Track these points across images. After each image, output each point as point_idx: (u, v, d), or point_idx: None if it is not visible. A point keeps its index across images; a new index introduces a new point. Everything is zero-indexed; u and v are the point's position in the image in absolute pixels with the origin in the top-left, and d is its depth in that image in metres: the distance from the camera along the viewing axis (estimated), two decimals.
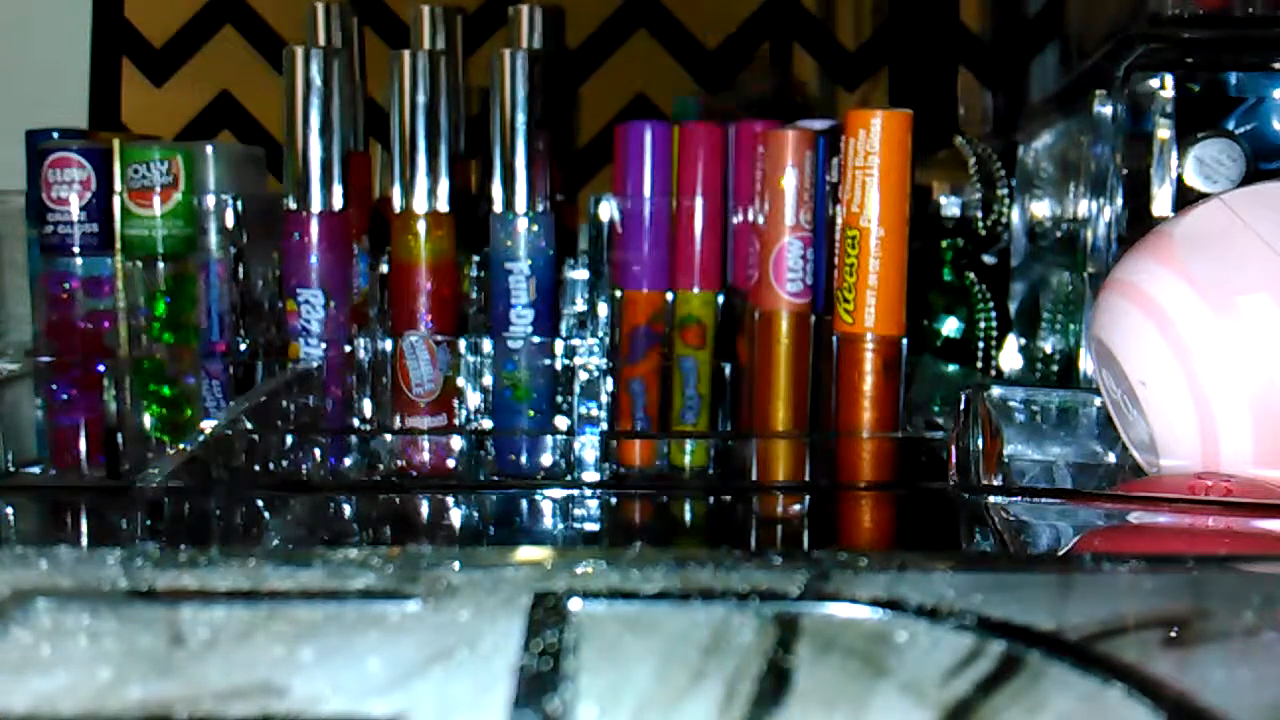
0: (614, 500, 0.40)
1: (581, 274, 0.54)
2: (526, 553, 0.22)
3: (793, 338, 0.47)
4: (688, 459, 0.49)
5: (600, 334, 0.51)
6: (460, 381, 0.49)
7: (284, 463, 0.41)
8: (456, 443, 0.46)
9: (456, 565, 0.22)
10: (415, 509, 0.42)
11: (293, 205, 0.47)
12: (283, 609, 0.20)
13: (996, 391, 0.36)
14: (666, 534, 0.41)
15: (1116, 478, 0.35)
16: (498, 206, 0.49)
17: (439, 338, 0.48)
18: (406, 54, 0.48)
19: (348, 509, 0.41)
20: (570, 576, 0.21)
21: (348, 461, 0.46)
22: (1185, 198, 0.40)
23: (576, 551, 0.22)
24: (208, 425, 0.36)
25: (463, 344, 0.49)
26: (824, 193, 0.50)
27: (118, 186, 0.48)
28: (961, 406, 0.35)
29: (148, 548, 0.27)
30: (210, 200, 0.51)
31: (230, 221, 0.51)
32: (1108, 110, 0.42)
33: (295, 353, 0.47)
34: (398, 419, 0.49)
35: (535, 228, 0.49)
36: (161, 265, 0.48)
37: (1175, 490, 0.29)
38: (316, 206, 0.47)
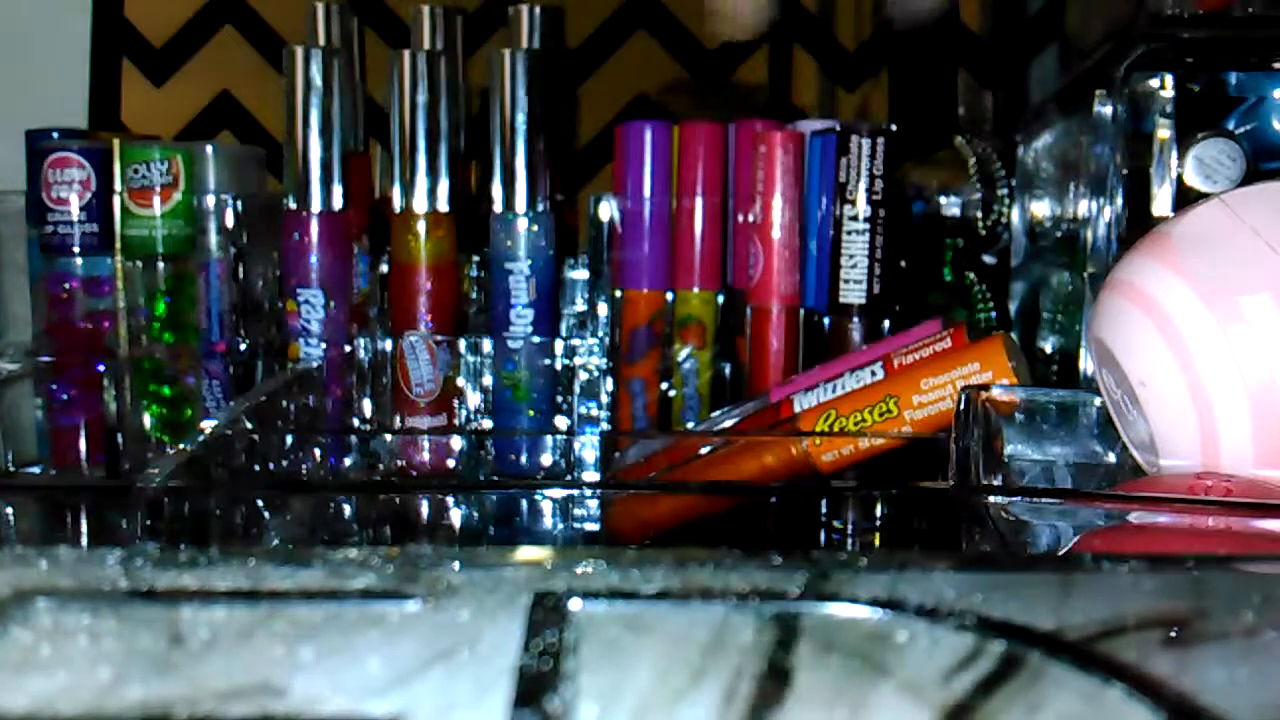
0: (614, 500, 0.40)
1: (581, 274, 0.54)
2: (526, 553, 0.22)
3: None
4: None
5: (600, 334, 0.51)
6: (460, 381, 0.49)
7: (284, 463, 0.41)
8: (456, 443, 0.46)
9: (456, 565, 0.22)
10: (415, 509, 0.42)
11: (293, 205, 0.47)
12: (283, 609, 0.20)
13: (996, 391, 0.36)
14: (666, 534, 0.41)
15: (1116, 478, 0.35)
16: (498, 206, 0.49)
17: (439, 338, 0.48)
18: (406, 54, 0.48)
19: (348, 509, 0.41)
20: (570, 576, 0.21)
21: (348, 461, 0.46)
22: (1185, 198, 0.40)
23: (576, 551, 0.22)
24: (208, 425, 0.36)
25: (463, 344, 0.49)
26: (831, 190, 0.50)
27: (118, 186, 0.48)
28: (961, 406, 0.35)
29: (148, 548, 0.27)
30: (210, 200, 0.51)
31: (230, 221, 0.51)
32: (1108, 110, 0.42)
33: (295, 353, 0.47)
34: (398, 419, 0.48)
35: (535, 228, 0.49)
36: (161, 265, 0.48)
37: (1175, 490, 0.29)
38: (316, 206, 0.47)
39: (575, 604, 0.20)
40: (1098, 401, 0.35)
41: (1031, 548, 0.30)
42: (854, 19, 0.72)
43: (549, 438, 0.46)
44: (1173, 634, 0.19)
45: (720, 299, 0.53)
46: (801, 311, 0.51)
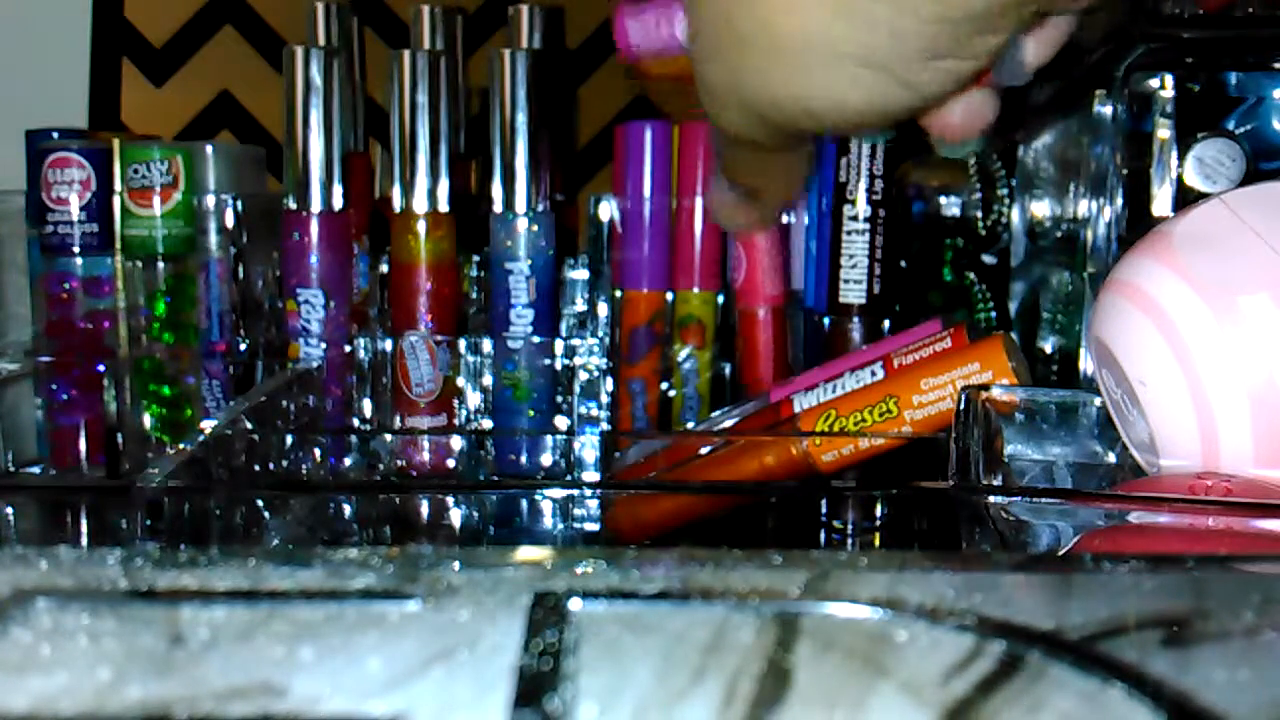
0: (614, 500, 0.40)
1: (581, 274, 0.54)
2: (526, 553, 0.22)
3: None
4: None
5: (600, 334, 0.51)
6: (460, 381, 0.49)
7: (284, 463, 0.41)
8: (456, 443, 0.46)
9: (456, 565, 0.22)
10: (415, 509, 0.42)
11: (293, 205, 0.47)
12: (283, 609, 0.20)
13: (996, 391, 0.36)
14: (666, 534, 0.41)
15: (1116, 478, 0.35)
16: (498, 206, 0.49)
17: (439, 338, 0.48)
18: (406, 54, 0.48)
19: (348, 509, 0.41)
20: (570, 576, 0.21)
21: (348, 461, 0.46)
22: (1185, 198, 0.40)
23: (576, 551, 0.22)
24: (208, 425, 0.36)
25: (463, 344, 0.49)
26: (831, 190, 0.50)
27: (118, 186, 0.48)
28: (961, 406, 0.35)
29: (148, 548, 0.27)
30: (210, 200, 0.51)
31: (230, 221, 0.51)
32: (1108, 110, 0.42)
33: (295, 353, 0.47)
34: (398, 419, 0.48)
35: (535, 228, 0.49)
36: (161, 265, 0.48)
37: (1175, 490, 0.29)
38: (316, 206, 0.47)
39: (575, 604, 0.20)
40: (1098, 401, 0.35)
41: (1031, 548, 0.30)
42: None
43: (549, 438, 0.46)
44: (1173, 634, 0.19)
45: (720, 299, 0.53)
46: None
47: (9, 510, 0.34)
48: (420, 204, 0.48)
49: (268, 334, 0.52)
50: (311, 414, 0.44)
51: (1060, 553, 0.29)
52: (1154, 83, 0.41)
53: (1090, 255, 0.43)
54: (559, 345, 0.49)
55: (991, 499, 0.31)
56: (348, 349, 0.48)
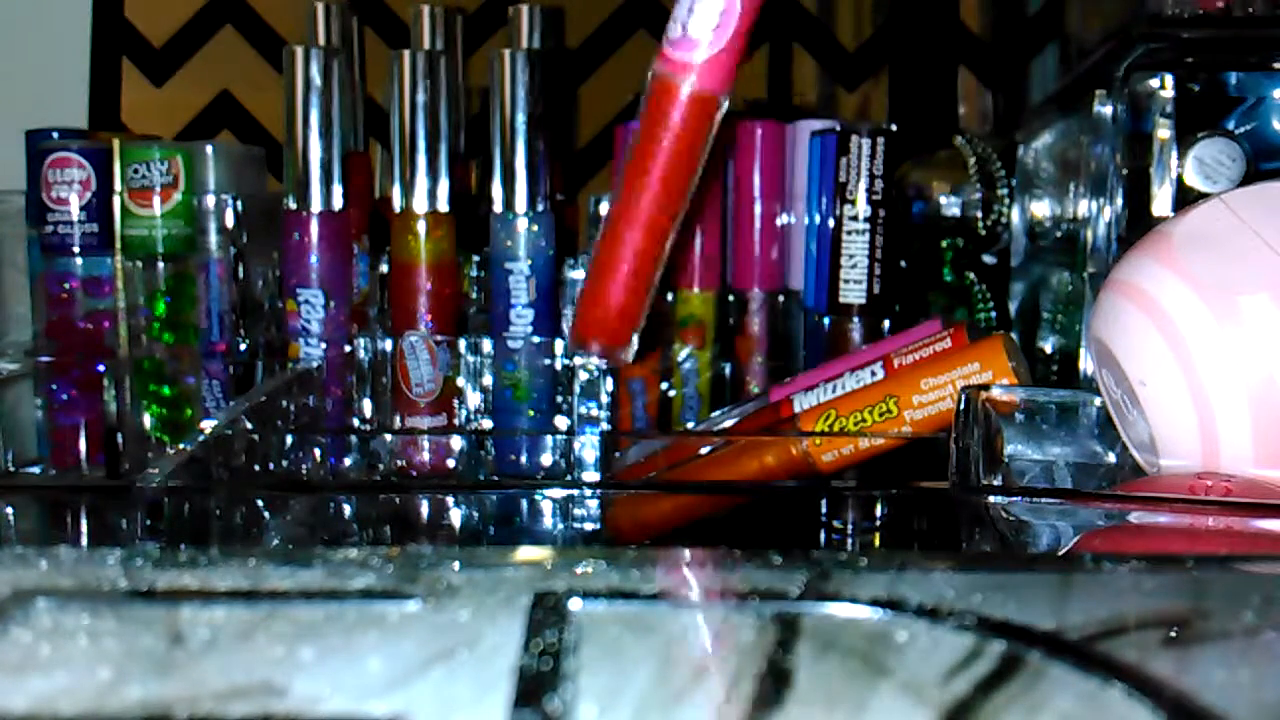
0: (614, 500, 0.40)
1: (581, 274, 0.54)
2: (526, 553, 0.22)
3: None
4: None
5: None
6: (460, 381, 0.49)
7: (284, 463, 0.41)
8: (456, 443, 0.46)
9: (456, 565, 0.22)
10: (415, 509, 0.42)
11: (293, 205, 0.47)
12: (283, 609, 0.20)
13: (996, 391, 0.36)
14: (666, 534, 0.41)
15: (1116, 478, 0.35)
16: (498, 206, 0.49)
17: (439, 338, 0.48)
18: (406, 54, 0.48)
19: (348, 509, 0.41)
20: (570, 576, 0.21)
21: (348, 461, 0.46)
22: (1185, 198, 0.40)
23: (576, 551, 0.22)
24: (208, 425, 0.36)
25: (463, 344, 0.49)
26: (831, 190, 0.50)
27: (118, 186, 0.48)
28: (961, 406, 0.35)
29: (148, 548, 0.27)
30: (210, 200, 0.51)
31: (230, 221, 0.51)
32: (1108, 110, 0.42)
33: (295, 353, 0.47)
34: (398, 419, 0.48)
35: (535, 228, 0.49)
36: (161, 265, 0.48)
37: (1175, 490, 0.29)
38: (316, 206, 0.47)
39: (575, 604, 0.20)
40: (1098, 401, 0.35)
41: (1031, 548, 0.30)
42: (854, 19, 0.72)
43: (549, 438, 0.46)
44: (1173, 634, 0.19)
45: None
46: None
47: (9, 510, 0.34)
48: (420, 204, 0.48)
49: (268, 334, 0.52)
50: (311, 414, 0.44)
51: (1060, 553, 0.29)
52: (1154, 83, 0.41)
53: (1090, 255, 0.43)
54: (559, 345, 0.49)
55: (991, 499, 0.31)
56: (348, 349, 0.48)
